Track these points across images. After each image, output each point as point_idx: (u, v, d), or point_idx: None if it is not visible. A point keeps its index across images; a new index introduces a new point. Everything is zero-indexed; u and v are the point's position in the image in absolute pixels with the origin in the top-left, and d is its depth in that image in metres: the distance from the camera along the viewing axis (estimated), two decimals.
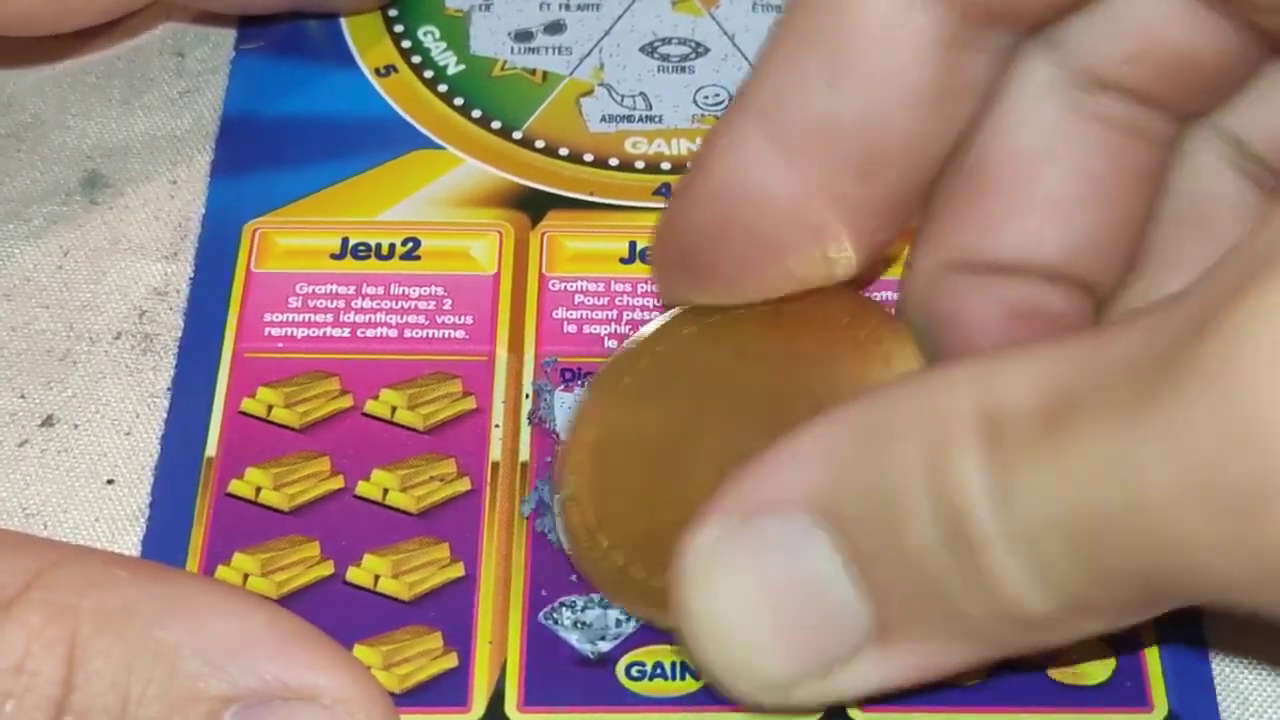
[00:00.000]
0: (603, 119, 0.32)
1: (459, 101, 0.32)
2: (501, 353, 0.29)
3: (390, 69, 0.33)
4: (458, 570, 0.26)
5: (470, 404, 0.28)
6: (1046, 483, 0.19)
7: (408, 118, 0.32)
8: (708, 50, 0.33)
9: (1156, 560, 0.19)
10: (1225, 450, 0.18)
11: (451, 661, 0.25)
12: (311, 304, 0.29)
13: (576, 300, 0.29)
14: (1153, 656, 0.25)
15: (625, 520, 0.25)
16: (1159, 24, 0.23)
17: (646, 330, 0.26)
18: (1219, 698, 0.25)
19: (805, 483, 0.21)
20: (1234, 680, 0.25)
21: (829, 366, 0.25)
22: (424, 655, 0.25)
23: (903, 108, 0.23)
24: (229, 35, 0.33)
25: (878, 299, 0.28)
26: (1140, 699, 0.25)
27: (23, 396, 0.28)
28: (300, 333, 0.29)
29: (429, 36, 0.33)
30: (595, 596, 0.26)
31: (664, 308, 0.27)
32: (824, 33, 0.23)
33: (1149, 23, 0.23)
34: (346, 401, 0.28)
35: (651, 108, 0.32)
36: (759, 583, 0.22)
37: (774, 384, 0.25)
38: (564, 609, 0.26)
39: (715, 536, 0.22)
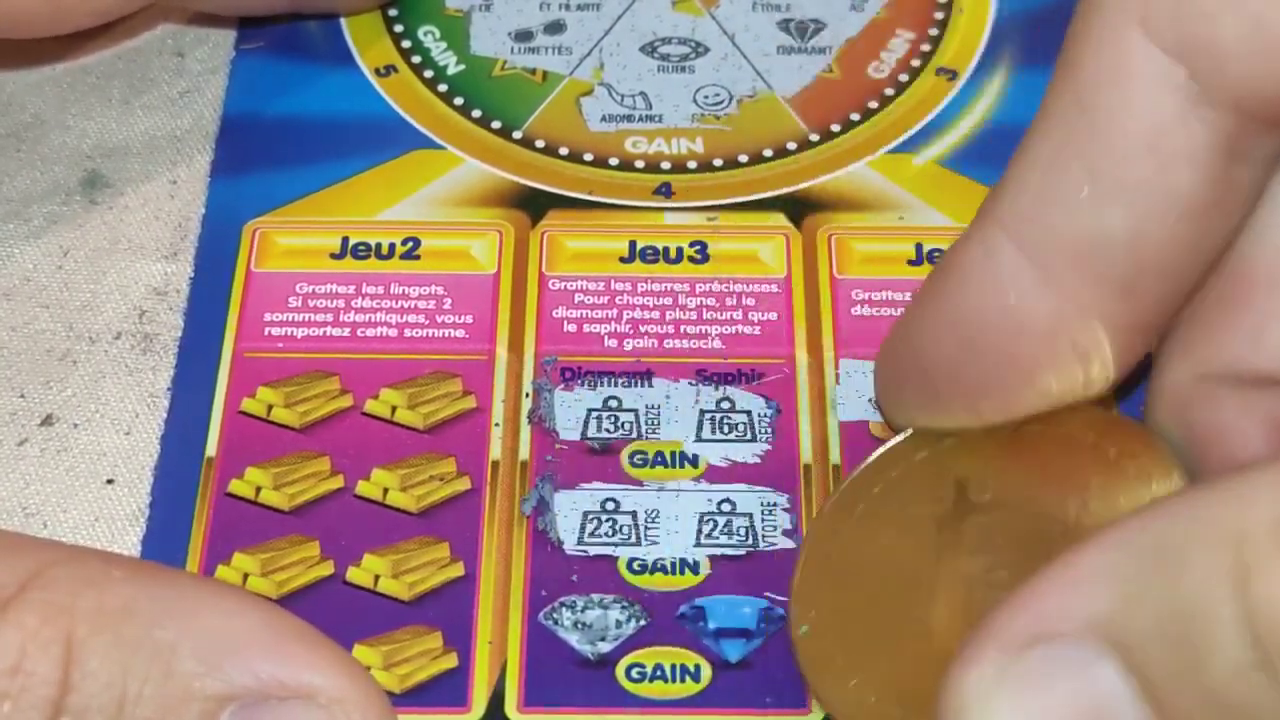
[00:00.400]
0: (603, 119, 0.32)
1: (459, 101, 0.32)
2: (501, 352, 0.29)
3: (390, 69, 0.33)
4: (458, 570, 0.26)
5: (470, 403, 0.28)
6: None
7: (408, 117, 0.32)
8: (708, 50, 0.33)
9: None
10: None
11: (451, 661, 0.25)
12: (311, 303, 0.29)
13: (576, 299, 0.29)
14: None
15: (870, 655, 0.24)
16: None
17: (875, 455, 0.25)
18: None
19: (1088, 610, 0.19)
20: None
21: (1080, 488, 0.24)
22: (424, 655, 0.25)
23: (1173, 221, 0.22)
24: (229, 35, 0.33)
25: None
26: None
27: (22, 396, 0.28)
28: (300, 332, 0.29)
29: (429, 36, 0.33)
30: (595, 597, 0.26)
31: (890, 430, 0.25)
32: (1090, 138, 0.22)
33: None
34: (346, 401, 0.28)
35: (651, 107, 0.32)
36: (1045, 717, 0.20)
37: (1019, 510, 0.24)
38: (564, 609, 0.26)
39: (992, 671, 0.20)
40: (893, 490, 0.24)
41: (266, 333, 0.29)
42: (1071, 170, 0.22)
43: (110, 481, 0.27)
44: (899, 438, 0.25)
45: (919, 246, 0.30)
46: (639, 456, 0.27)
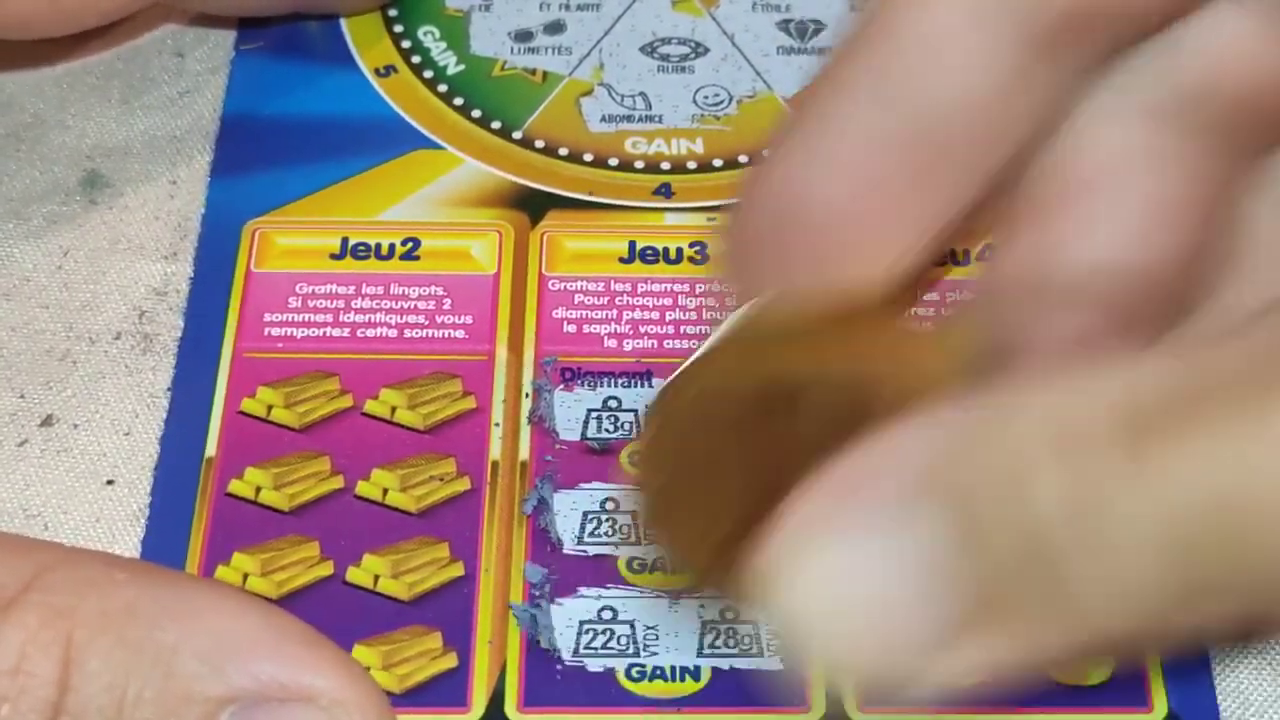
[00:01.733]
0: (602, 119, 0.32)
1: (459, 101, 0.32)
2: (501, 352, 0.29)
3: (390, 69, 0.33)
4: (457, 570, 0.26)
5: (470, 403, 0.28)
6: (1173, 484, 0.18)
7: (407, 118, 0.32)
8: (707, 50, 0.33)
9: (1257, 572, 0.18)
10: None
11: (451, 661, 0.25)
12: (311, 304, 0.29)
13: (576, 300, 0.29)
14: (1153, 657, 0.25)
15: (707, 518, 0.25)
16: (1238, 55, 0.23)
17: (711, 339, 0.26)
18: (1219, 698, 0.25)
19: (917, 460, 0.20)
20: (1234, 680, 0.25)
21: (900, 372, 0.25)
22: (423, 655, 0.25)
23: (967, 118, 0.23)
24: (229, 36, 0.33)
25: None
26: (1140, 699, 0.25)
27: (22, 396, 0.28)
28: (300, 333, 0.29)
29: (429, 36, 0.33)
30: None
31: (735, 304, 0.27)
32: (881, 41, 0.23)
33: (1227, 52, 0.23)
34: (346, 401, 0.28)
35: (651, 107, 0.32)
36: (865, 558, 0.21)
37: (844, 392, 0.25)
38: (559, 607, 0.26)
39: (816, 511, 0.21)
40: (725, 372, 0.25)
41: (266, 333, 0.29)
42: (866, 68, 0.23)
43: (110, 482, 0.27)
44: (732, 319, 0.26)
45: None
46: (638, 456, 0.27)
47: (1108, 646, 0.21)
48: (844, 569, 0.21)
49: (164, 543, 0.26)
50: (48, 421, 0.28)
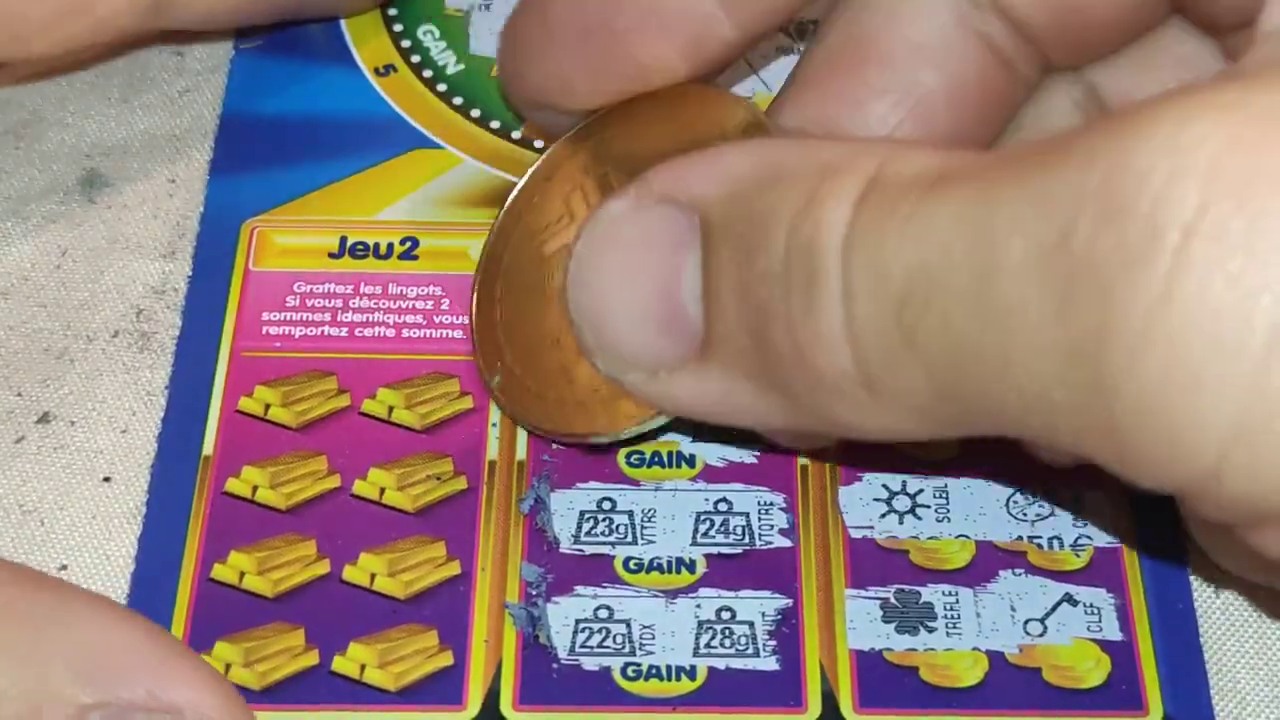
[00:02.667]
0: None
1: (458, 101, 0.32)
2: None
3: (389, 68, 0.33)
4: (454, 569, 0.26)
5: (467, 403, 0.28)
6: (897, 244, 0.20)
7: (406, 117, 0.32)
8: None
9: (967, 344, 0.19)
10: (1081, 219, 0.18)
11: (447, 660, 0.25)
12: (309, 303, 0.29)
13: None
14: (1148, 659, 0.25)
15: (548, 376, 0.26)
16: None
17: (531, 168, 0.27)
18: (1214, 700, 0.25)
19: (702, 189, 0.23)
20: (1229, 683, 0.25)
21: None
22: (419, 653, 0.25)
23: None
24: (228, 34, 0.33)
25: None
26: (1135, 702, 0.25)
27: (19, 394, 0.28)
28: (298, 332, 0.29)
29: (428, 36, 0.33)
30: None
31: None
32: None
33: None
34: (344, 400, 0.28)
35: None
36: (639, 265, 0.23)
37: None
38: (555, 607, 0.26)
39: (618, 211, 0.23)
40: (547, 196, 0.27)
41: (264, 332, 0.29)
42: None
43: (107, 479, 0.27)
44: (553, 147, 0.27)
45: None
46: (635, 456, 0.27)
47: (819, 411, 0.22)
48: (624, 266, 0.23)
49: (160, 540, 0.26)
50: (45, 419, 0.28)
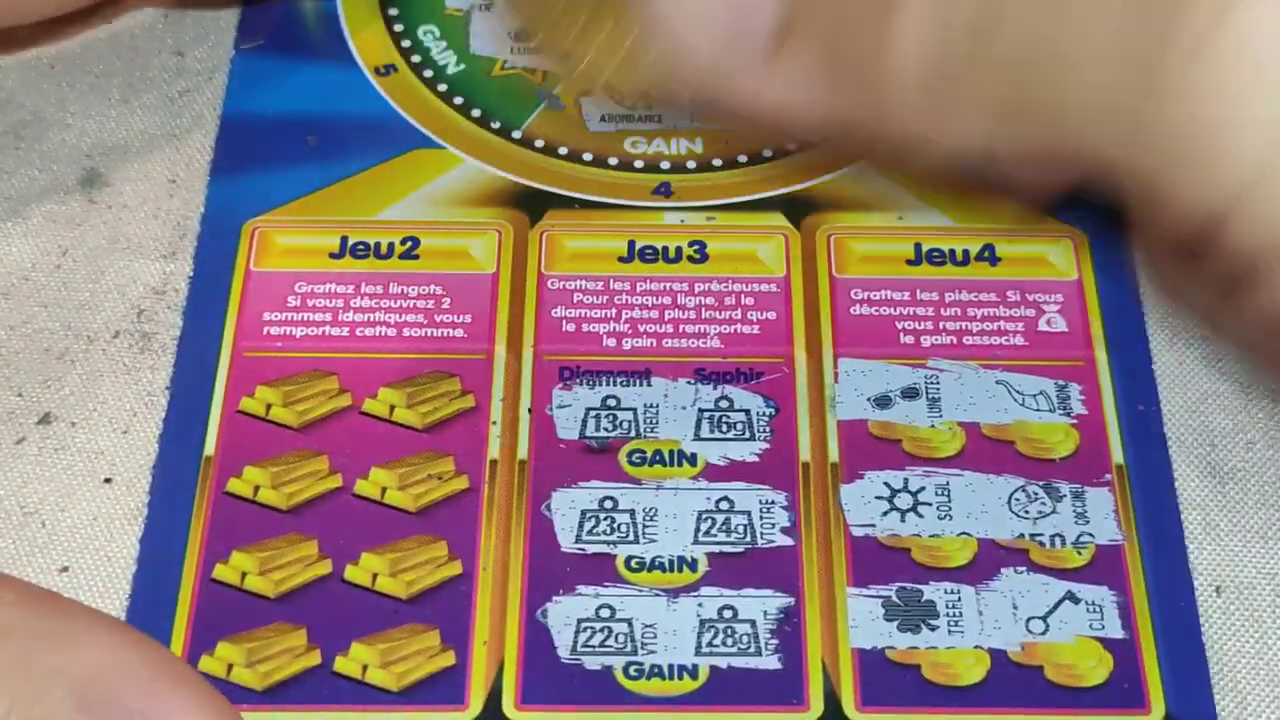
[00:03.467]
0: (602, 119, 0.32)
1: (458, 101, 0.32)
2: (500, 351, 0.29)
3: (390, 68, 0.33)
4: (455, 568, 0.26)
5: (469, 402, 0.28)
6: None
7: (407, 117, 0.32)
8: None
9: (1040, 47, 0.21)
10: None
11: (449, 659, 0.25)
12: (310, 303, 0.29)
13: (575, 299, 0.29)
14: (1150, 658, 0.25)
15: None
16: None
17: None
18: (1216, 699, 0.25)
19: None
20: (1231, 681, 0.25)
21: None
22: (421, 653, 0.25)
23: None
24: (229, 34, 0.33)
25: None
26: (1138, 700, 0.25)
27: (20, 395, 0.28)
28: (299, 331, 0.29)
29: (429, 36, 0.33)
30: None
31: None
32: None
33: None
34: (345, 400, 0.28)
35: (651, 107, 0.32)
36: None
37: None
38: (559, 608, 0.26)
39: None
40: None
41: (266, 332, 0.29)
42: None
43: (108, 480, 0.27)
44: None
45: (918, 246, 0.30)
46: (637, 455, 0.27)
47: (887, 111, 0.22)
48: None
49: (162, 541, 0.26)
50: (45, 419, 0.28)
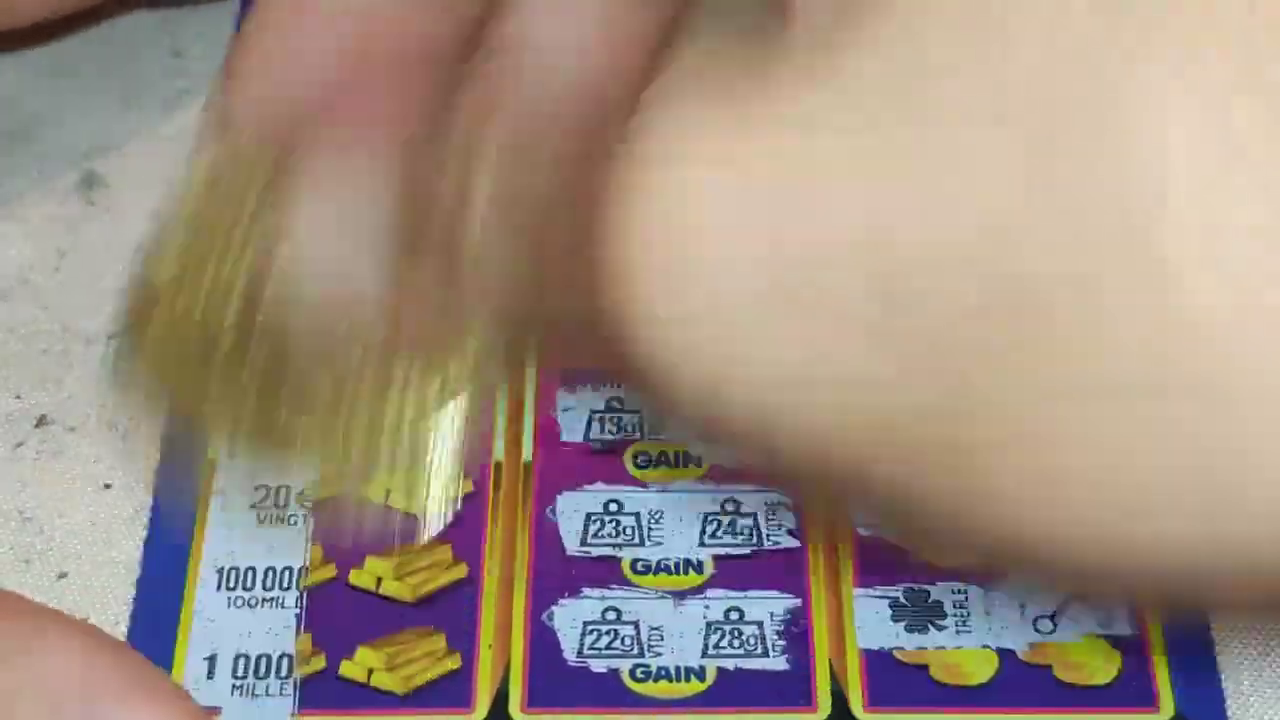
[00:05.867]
0: None
1: None
2: None
3: None
4: (460, 571, 0.26)
5: None
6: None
7: None
8: None
9: None
10: None
11: (455, 663, 0.25)
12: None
13: None
14: (1159, 656, 0.25)
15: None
16: None
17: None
18: (1226, 698, 0.25)
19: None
20: (1240, 678, 0.25)
21: None
22: (427, 657, 0.25)
23: None
24: (227, 35, 0.33)
25: None
26: (1147, 699, 0.25)
27: (18, 397, 0.28)
28: None
29: None
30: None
31: None
32: None
33: None
34: None
35: None
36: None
37: None
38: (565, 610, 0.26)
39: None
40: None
41: None
42: None
43: (107, 486, 0.27)
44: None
45: None
46: (642, 457, 0.27)
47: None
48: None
49: (165, 545, 0.26)
50: (43, 422, 0.28)
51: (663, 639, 0.25)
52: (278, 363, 0.22)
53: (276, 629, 0.25)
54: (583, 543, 0.26)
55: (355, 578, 0.26)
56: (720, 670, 0.25)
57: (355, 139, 0.22)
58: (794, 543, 0.26)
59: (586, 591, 0.26)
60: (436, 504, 0.22)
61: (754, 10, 0.18)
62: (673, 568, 0.26)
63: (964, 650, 0.25)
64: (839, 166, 0.16)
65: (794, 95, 0.16)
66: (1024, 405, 0.15)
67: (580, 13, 0.20)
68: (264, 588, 0.26)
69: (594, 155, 0.17)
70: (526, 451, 0.27)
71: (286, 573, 0.26)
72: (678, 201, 0.16)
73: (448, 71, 0.22)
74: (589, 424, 0.28)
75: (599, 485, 0.27)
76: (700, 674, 0.25)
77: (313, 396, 0.22)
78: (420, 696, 0.25)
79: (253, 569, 0.26)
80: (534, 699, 0.25)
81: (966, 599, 0.26)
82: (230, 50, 0.24)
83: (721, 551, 0.26)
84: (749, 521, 0.27)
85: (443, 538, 0.26)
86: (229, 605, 0.26)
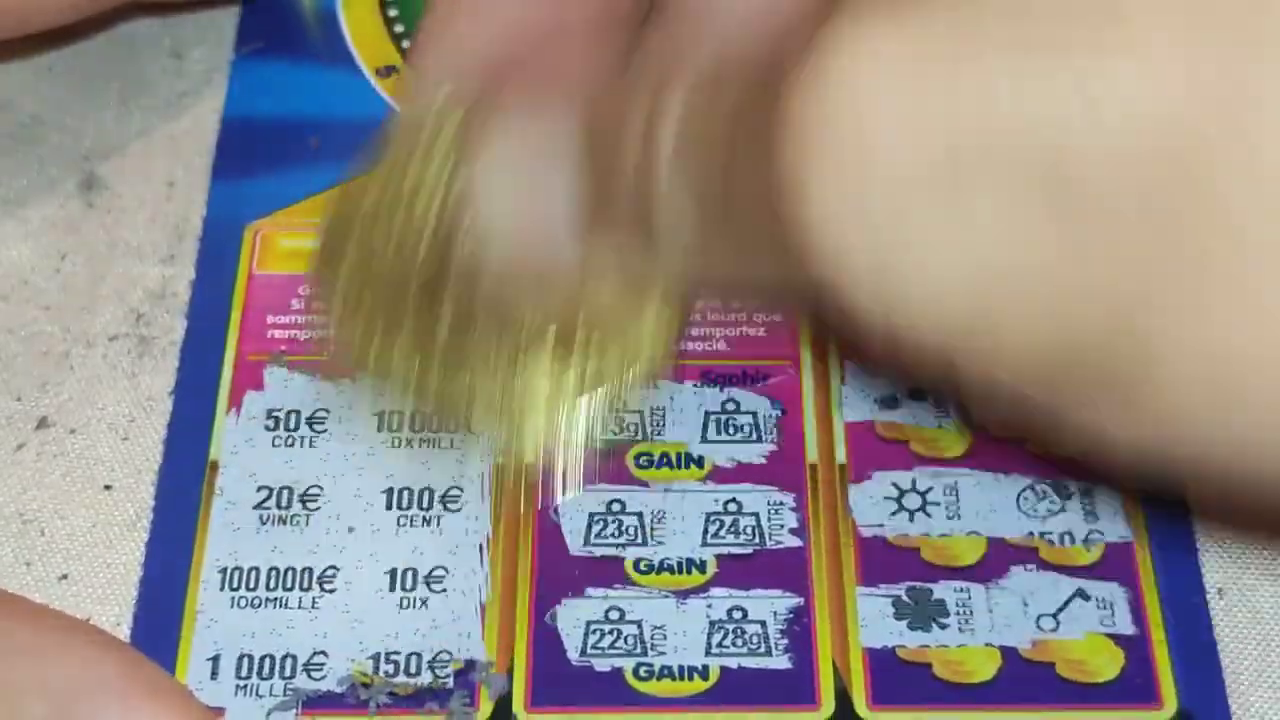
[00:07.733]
0: None
1: None
2: None
3: (390, 69, 0.33)
4: None
5: None
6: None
7: None
8: None
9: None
10: None
11: (458, 663, 0.25)
12: (315, 305, 0.29)
13: None
14: (1162, 652, 0.25)
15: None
16: None
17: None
18: (1229, 694, 0.25)
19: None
20: (1243, 674, 0.25)
21: None
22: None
23: None
24: (228, 36, 0.33)
25: None
26: (1150, 695, 0.25)
27: (19, 399, 0.28)
28: (303, 334, 0.29)
29: None
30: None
31: None
32: None
33: None
34: None
35: None
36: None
37: None
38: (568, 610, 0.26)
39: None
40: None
41: (269, 335, 0.29)
42: None
43: (108, 487, 0.27)
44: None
45: None
46: (644, 458, 0.27)
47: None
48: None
49: (167, 547, 0.26)
50: (43, 424, 0.28)
51: (666, 638, 0.25)
52: (463, 321, 0.22)
53: (280, 629, 0.25)
54: (586, 543, 0.26)
55: None
56: (723, 669, 0.25)
57: (544, 98, 0.22)
58: (796, 542, 0.26)
59: (590, 591, 0.26)
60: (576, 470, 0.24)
61: None
62: (676, 567, 0.26)
63: (967, 648, 0.25)
64: (1012, 58, 0.16)
65: None
66: (1200, 288, 0.15)
67: None
68: (267, 588, 0.26)
69: (772, 91, 0.17)
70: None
71: (289, 573, 0.26)
72: (850, 98, 0.16)
73: (631, 34, 0.22)
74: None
75: (601, 485, 0.27)
76: (703, 673, 0.25)
77: (492, 357, 0.22)
78: (424, 696, 0.25)
79: (256, 569, 0.26)
80: (537, 698, 0.25)
81: (969, 597, 0.26)
82: (425, 11, 0.24)
83: (724, 551, 0.26)
84: (751, 521, 0.27)
85: None
86: (232, 605, 0.26)
